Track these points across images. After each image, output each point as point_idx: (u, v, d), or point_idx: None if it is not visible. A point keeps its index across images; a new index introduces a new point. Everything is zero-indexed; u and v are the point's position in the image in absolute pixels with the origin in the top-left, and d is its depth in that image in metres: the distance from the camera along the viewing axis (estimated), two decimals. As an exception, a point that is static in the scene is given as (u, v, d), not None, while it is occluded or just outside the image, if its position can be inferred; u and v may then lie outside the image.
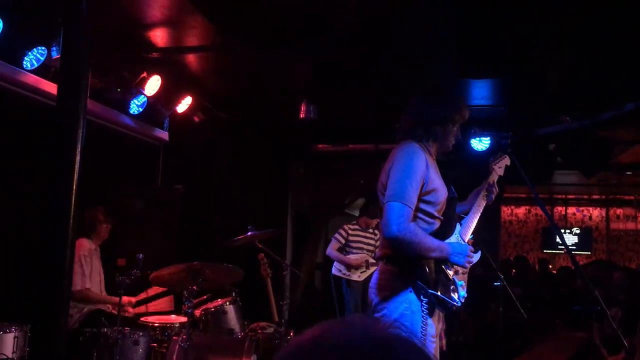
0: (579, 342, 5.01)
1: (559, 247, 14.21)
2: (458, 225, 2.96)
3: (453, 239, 2.89)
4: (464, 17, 4.75)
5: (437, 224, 2.87)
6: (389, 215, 2.67)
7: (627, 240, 14.25)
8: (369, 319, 0.84)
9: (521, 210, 14.68)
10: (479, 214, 3.09)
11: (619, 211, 14.40)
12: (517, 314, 5.31)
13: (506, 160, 3.24)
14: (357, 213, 8.35)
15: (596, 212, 14.55)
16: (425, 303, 2.70)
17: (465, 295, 2.86)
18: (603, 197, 14.30)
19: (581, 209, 14.61)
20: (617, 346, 4.96)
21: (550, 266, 13.21)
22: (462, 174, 3.11)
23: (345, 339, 0.78)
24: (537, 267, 12.08)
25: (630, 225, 14.24)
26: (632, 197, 13.90)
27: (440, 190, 2.86)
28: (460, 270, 2.87)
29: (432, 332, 2.73)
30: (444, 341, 3.04)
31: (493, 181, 3.19)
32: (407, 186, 2.69)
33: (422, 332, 2.67)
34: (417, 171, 2.73)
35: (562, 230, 13.92)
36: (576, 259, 2.87)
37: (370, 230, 7.22)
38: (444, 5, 4.58)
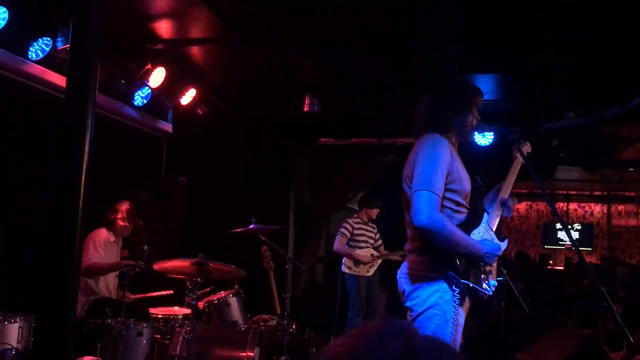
0: (580, 339, 5.02)
1: (560, 242, 14.20)
2: (485, 215, 2.96)
3: (482, 228, 2.89)
4: (469, 12, 4.75)
5: (465, 212, 2.88)
6: (417, 203, 2.68)
7: (629, 237, 14.23)
8: (398, 323, 0.88)
9: (522, 206, 14.65)
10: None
11: (621, 207, 14.37)
12: (520, 309, 5.32)
13: (527, 148, 3.20)
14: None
15: (598, 209, 14.53)
16: (457, 293, 2.72)
17: (496, 284, 2.87)
18: (605, 193, 14.28)
19: (583, 205, 14.59)
20: (619, 343, 4.97)
21: (551, 261, 13.23)
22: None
23: (376, 343, 0.81)
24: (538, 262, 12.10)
25: (632, 222, 14.21)
26: (634, 194, 13.87)
27: (465, 180, 2.87)
28: None
29: (461, 321, 2.77)
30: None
31: (516, 170, 3.13)
32: (434, 174, 2.71)
33: (453, 321, 2.70)
34: (442, 159, 2.75)
35: (563, 227, 13.91)
36: (582, 255, 2.87)
37: (371, 224, 7.19)
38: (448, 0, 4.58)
